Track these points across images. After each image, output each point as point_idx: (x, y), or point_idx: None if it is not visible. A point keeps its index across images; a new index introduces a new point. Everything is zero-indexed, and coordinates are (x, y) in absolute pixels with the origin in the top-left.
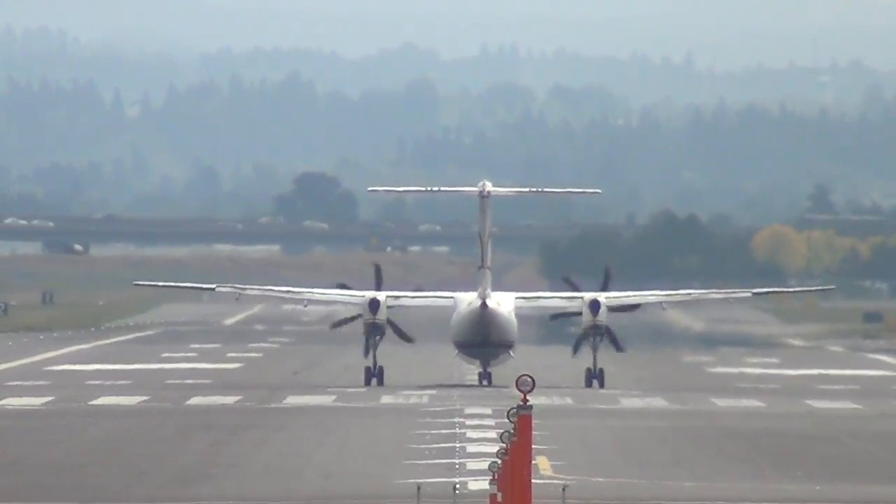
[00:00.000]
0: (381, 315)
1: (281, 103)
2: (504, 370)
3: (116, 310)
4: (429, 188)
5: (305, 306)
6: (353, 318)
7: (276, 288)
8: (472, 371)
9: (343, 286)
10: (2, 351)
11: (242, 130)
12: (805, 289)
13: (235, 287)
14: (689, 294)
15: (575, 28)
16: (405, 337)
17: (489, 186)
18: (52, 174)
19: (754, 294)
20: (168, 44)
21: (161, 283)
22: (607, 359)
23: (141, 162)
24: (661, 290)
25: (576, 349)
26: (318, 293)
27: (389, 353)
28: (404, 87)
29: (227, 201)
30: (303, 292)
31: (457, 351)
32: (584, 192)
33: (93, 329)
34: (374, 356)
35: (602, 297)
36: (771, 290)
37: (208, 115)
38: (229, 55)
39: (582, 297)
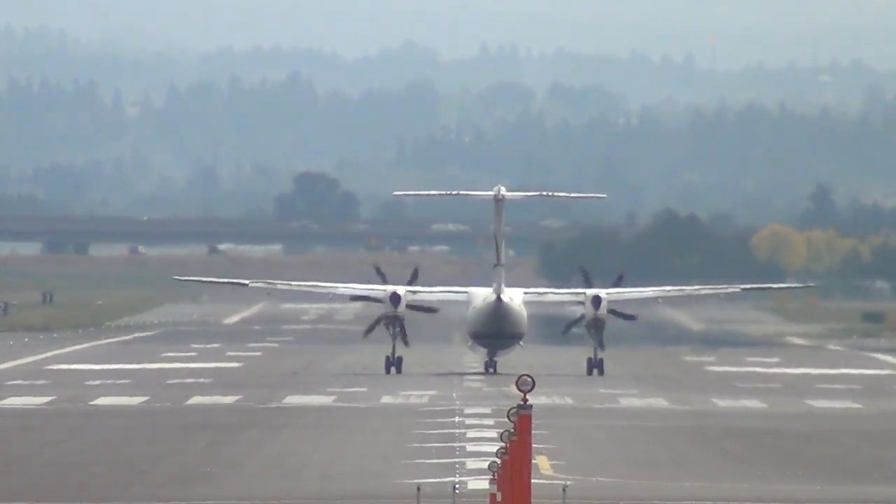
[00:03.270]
0: (402, 308)
1: (281, 103)
2: (507, 362)
3: (116, 310)
4: (449, 192)
5: (330, 299)
6: (378, 321)
7: (304, 283)
8: (478, 361)
9: (378, 270)
10: (2, 351)
11: (242, 130)
12: (789, 285)
13: (268, 282)
14: (683, 290)
15: (575, 28)
16: (428, 309)
17: (504, 191)
18: (52, 174)
19: (743, 290)
20: (168, 43)
21: (199, 279)
22: (606, 357)
23: (141, 162)
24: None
25: (566, 330)
26: (343, 287)
27: (401, 347)
28: (404, 86)
29: (227, 201)
30: (328, 287)
31: (471, 341)
32: (589, 197)
33: (93, 329)
34: (394, 346)
35: (603, 293)
36: (759, 286)
37: (208, 115)
38: (229, 55)
39: (584, 293)
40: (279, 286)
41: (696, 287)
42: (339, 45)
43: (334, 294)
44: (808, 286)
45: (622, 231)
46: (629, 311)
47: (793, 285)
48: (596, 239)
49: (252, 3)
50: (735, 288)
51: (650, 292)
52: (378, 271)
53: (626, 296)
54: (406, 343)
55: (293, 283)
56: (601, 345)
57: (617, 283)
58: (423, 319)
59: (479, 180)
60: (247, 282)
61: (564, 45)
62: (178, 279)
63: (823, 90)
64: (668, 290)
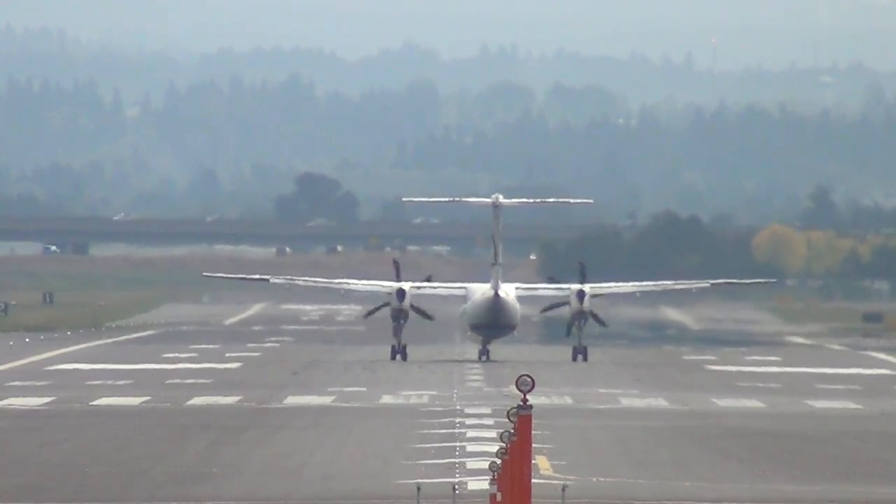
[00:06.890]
0: (406, 302)
1: (281, 104)
2: (500, 352)
3: (117, 310)
4: (452, 198)
5: (343, 295)
6: (382, 306)
7: (321, 280)
8: (474, 351)
9: (396, 265)
10: (2, 351)
11: (242, 130)
12: (754, 280)
13: (287, 279)
14: (658, 285)
15: (575, 28)
16: (426, 315)
17: (501, 198)
18: (52, 174)
19: (713, 284)
20: (168, 44)
21: (226, 276)
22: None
23: (141, 162)
24: None
25: (568, 331)
26: (354, 283)
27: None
28: (405, 87)
29: (227, 201)
30: (341, 283)
31: (469, 332)
32: (578, 203)
33: (93, 329)
34: (400, 336)
35: (587, 287)
36: (727, 280)
37: (208, 115)
38: (229, 55)
39: (570, 288)
40: (298, 282)
41: (672, 282)
42: (340, 45)
43: (347, 290)
44: (772, 281)
45: (622, 231)
46: (609, 315)
47: (760, 280)
48: (596, 239)
49: (252, 3)
50: (705, 283)
51: (629, 287)
52: (396, 267)
53: (607, 290)
54: (430, 318)
55: (310, 279)
56: (568, 334)
57: (582, 273)
58: (424, 320)
59: (479, 181)
60: (268, 277)
61: (564, 46)
62: (208, 275)
63: (824, 91)
64: (645, 285)
